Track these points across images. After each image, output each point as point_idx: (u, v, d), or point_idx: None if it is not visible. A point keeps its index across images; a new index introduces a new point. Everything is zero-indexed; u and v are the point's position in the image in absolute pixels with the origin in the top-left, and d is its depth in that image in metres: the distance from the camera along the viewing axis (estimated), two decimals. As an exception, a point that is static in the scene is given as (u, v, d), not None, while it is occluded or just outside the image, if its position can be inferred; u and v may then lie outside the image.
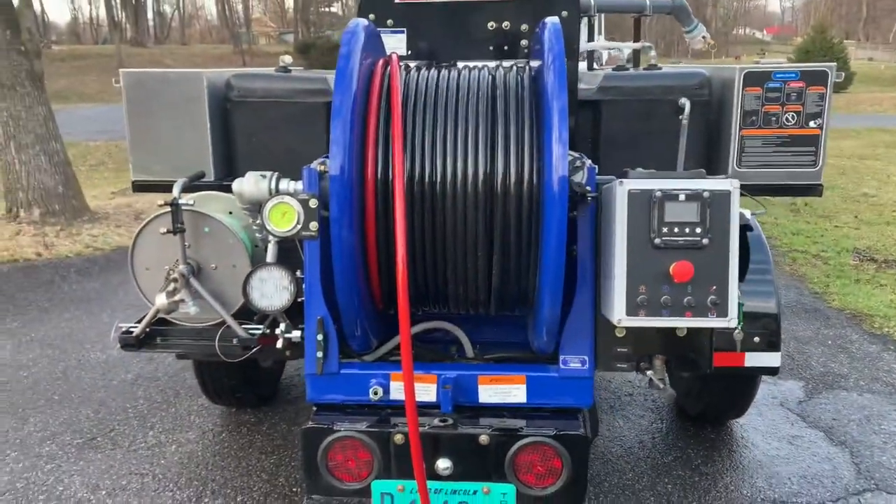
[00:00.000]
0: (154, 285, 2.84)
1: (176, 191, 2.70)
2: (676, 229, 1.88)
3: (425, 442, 2.10)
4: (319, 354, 2.13)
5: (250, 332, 2.80)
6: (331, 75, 3.47)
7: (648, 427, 4.00)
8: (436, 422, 2.10)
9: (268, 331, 2.82)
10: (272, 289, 2.22)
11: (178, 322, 2.87)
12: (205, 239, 2.77)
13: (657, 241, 1.88)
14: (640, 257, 1.89)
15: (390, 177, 1.98)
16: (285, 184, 2.30)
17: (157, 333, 2.90)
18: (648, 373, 2.13)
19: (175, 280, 2.71)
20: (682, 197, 1.87)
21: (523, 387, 2.15)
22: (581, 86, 3.01)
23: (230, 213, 2.92)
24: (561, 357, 2.12)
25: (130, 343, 2.83)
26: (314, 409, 2.22)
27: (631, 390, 4.43)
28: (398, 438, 2.10)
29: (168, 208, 2.70)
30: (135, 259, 2.82)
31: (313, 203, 2.13)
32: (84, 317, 5.92)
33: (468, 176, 1.96)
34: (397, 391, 2.16)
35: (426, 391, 2.17)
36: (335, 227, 1.87)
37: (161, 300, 2.70)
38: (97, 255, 7.79)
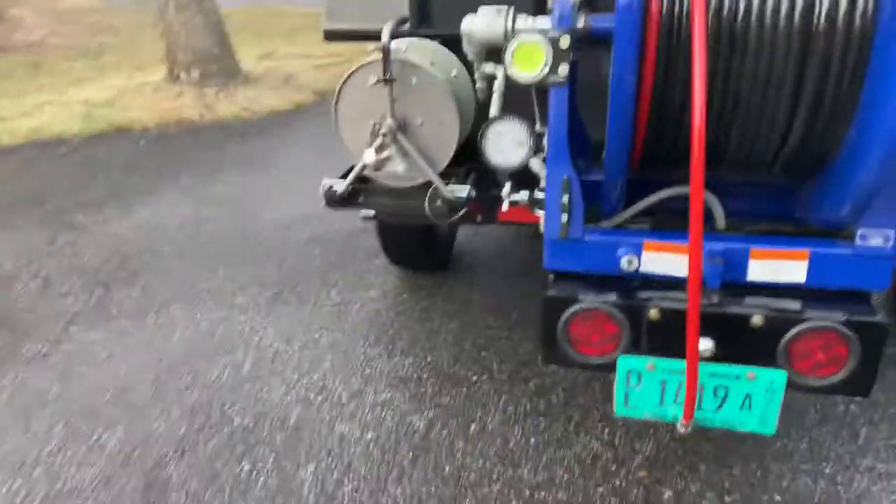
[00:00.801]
0: (357, 139, 2.69)
1: (385, 36, 2.46)
2: None
3: (684, 319, 1.87)
4: (564, 218, 1.90)
5: (454, 193, 2.63)
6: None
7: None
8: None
9: (474, 193, 2.65)
10: (508, 144, 1.98)
11: (379, 180, 2.74)
12: (412, 92, 2.55)
13: None
14: None
15: (678, 9, 1.63)
16: (523, 20, 2.00)
17: (360, 192, 2.79)
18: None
19: (384, 135, 2.54)
20: None
21: (804, 263, 1.84)
22: None
23: (432, 63, 2.67)
24: (859, 231, 1.78)
25: (336, 200, 2.74)
26: (551, 277, 2.03)
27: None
28: (653, 314, 1.89)
29: (375, 56, 2.48)
30: (339, 111, 2.66)
31: (565, 42, 1.83)
32: (252, 176, 6.04)
33: (780, 4, 1.58)
34: (651, 262, 1.92)
35: (681, 264, 1.90)
36: (619, 67, 1.57)
37: (370, 156, 2.55)
38: (255, 117, 7.90)
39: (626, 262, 1.90)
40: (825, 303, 1.84)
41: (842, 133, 1.67)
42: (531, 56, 1.85)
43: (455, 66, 2.77)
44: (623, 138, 1.64)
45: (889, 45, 1.50)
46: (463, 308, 3.80)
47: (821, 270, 1.84)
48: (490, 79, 2.21)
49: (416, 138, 2.63)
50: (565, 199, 1.90)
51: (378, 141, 2.59)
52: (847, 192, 1.69)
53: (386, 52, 2.43)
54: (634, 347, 1.93)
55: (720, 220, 2.09)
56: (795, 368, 1.85)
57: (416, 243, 3.91)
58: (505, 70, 1.90)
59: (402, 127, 2.61)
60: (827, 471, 2.61)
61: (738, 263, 1.88)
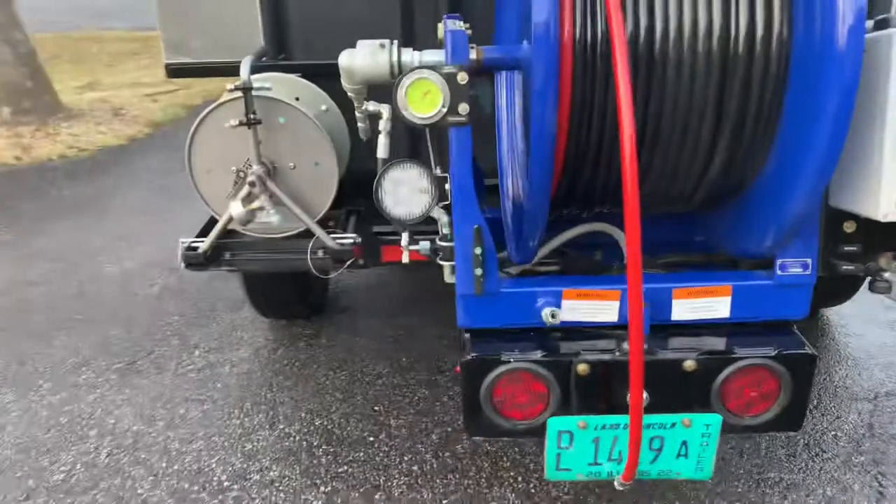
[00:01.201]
0: (217, 191, 2.34)
1: (245, 71, 2.15)
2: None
3: (615, 371, 1.73)
4: (479, 272, 1.70)
5: (339, 242, 2.37)
6: None
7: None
8: (625, 346, 1.72)
9: (360, 239, 2.40)
10: (408, 193, 1.74)
11: (247, 233, 2.41)
12: (281, 132, 2.26)
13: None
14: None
15: (592, 36, 1.48)
16: (409, 55, 1.78)
17: (226, 248, 2.44)
18: (886, 274, 1.75)
19: (252, 184, 2.22)
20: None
21: (727, 299, 1.76)
22: None
23: (297, 98, 2.39)
24: (778, 261, 1.72)
25: (198, 261, 2.37)
26: (466, 336, 1.82)
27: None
28: (582, 368, 1.72)
29: (235, 95, 2.16)
30: (193, 160, 2.31)
31: (463, 78, 1.63)
32: (84, 224, 5.37)
33: (697, 31, 1.47)
34: (571, 311, 1.76)
35: (606, 310, 1.77)
36: (538, 104, 1.39)
37: (237, 209, 2.22)
38: (82, 156, 7.11)
39: (548, 316, 1.72)
40: (752, 338, 1.77)
41: (761, 162, 1.60)
42: (426, 94, 1.64)
43: (324, 102, 2.51)
44: (546, 179, 1.47)
45: (804, 70, 1.43)
46: (347, 357, 3.50)
47: (744, 304, 1.77)
48: (374, 117, 1.97)
49: (288, 184, 2.33)
50: (478, 250, 1.70)
51: (244, 191, 2.26)
52: (769, 222, 1.62)
53: (246, 89, 2.12)
54: (564, 408, 1.76)
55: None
56: (729, 409, 1.76)
57: (287, 290, 3.56)
58: (394, 109, 1.67)
59: (272, 172, 2.30)
60: (740, 489, 2.59)
61: (662, 304, 1.76)
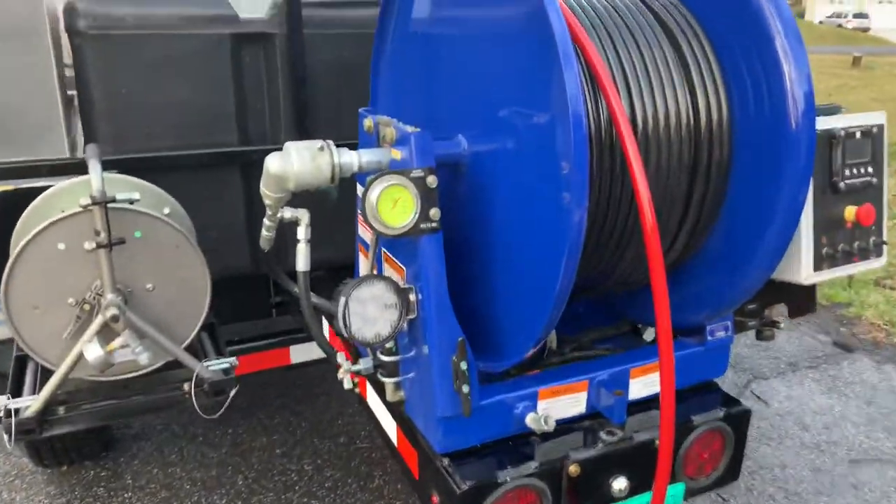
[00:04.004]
0: (47, 331, 1.80)
1: (96, 180, 1.70)
2: (855, 170, 1.73)
3: (601, 465, 1.70)
4: (466, 389, 1.54)
5: (214, 370, 1.98)
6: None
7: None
8: (604, 436, 1.70)
9: (236, 362, 2.04)
10: (375, 311, 1.51)
11: (85, 377, 1.89)
12: (135, 249, 1.82)
13: (841, 184, 1.71)
14: (824, 204, 1.71)
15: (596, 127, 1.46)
16: (348, 156, 1.58)
17: (59, 402, 1.88)
18: (782, 325, 1.99)
19: (114, 318, 1.74)
20: (857, 134, 1.73)
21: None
22: None
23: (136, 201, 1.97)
24: (708, 328, 1.86)
25: (29, 428, 1.78)
26: (446, 462, 1.62)
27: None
28: (573, 469, 1.65)
29: (72, 211, 1.69)
30: (12, 295, 1.75)
31: (433, 181, 1.49)
32: None
33: (669, 118, 1.54)
34: (548, 409, 1.69)
35: (576, 403, 1.74)
36: (576, 207, 1.29)
37: (94, 352, 1.73)
38: None
39: (541, 422, 1.62)
40: (694, 403, 1.88)
41: (704, 239, 1.72)
42: (397, 202, 1.46)
43: (166, 203, 2.09)
44: (568, 286, 1.38)
45: (794, 152, 1.56)
46: (171, 496, 2.93)
47: (683, 373, 1.87)
48: (289, 225, 1.69)
49: (147, 309, 1.88)
50: (463, 365, 1.54)
51: (96, 327, 1.77)
52: (729, 294, 1.74)
53: (104, 201, 1.68)
54: (555, 507, 1.68)
55: (552, 341, 1.98)
56: (688, 476, 1.84)
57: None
58: (365, 219, 1.45)
59: (128, 299, 1.84)
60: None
61: (622, 386, 1.79)
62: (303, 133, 2.39)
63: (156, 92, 2.23)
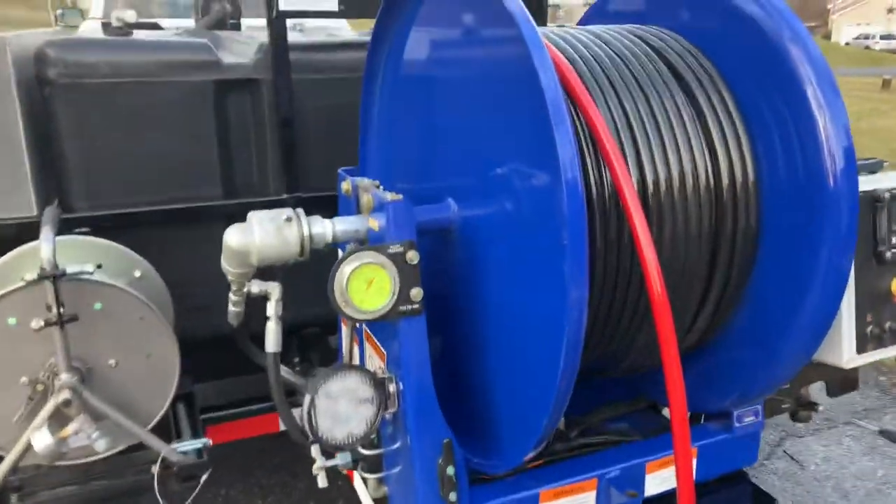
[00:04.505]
0: (-4, 415, 1.63)
1: (47, 249, 1.53)
2: (902, 237, 1.51)
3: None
4: (454, 497, 1.33)
5: (179, 451, 1.79)
6: (216, 36, 2.40)
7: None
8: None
9: (209, 442, 1.85)
10: (347, 407, 1.31)
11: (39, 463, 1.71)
12: (95, 322, 1.65)
13: (887, 254, 1.49)
14: (867, 277, 1.49)
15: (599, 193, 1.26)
16: (319, 225, 1.39)
17: (13, 488, 1.70)
18: (820, 408, 1.76)
19: (66, 403, 1.57)
20: (906, 196, 1.50)
21: (693, 462, 1.62)
22: None
23: (99, 266, 1.80)
24: (735, 413, 1.64)
25: (-27, 523, 1.61)
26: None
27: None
28: (581, 585, 1.43)
29: (20, 284, 1.53)
30: (-45, 378, 1.58)
31: (412, 258, 1.30)
32: None
33: (685, 180, 1.33)
34: (548, 515, 1.47)
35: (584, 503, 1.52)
36: (575, 283, 1.09)
37: (43, 440, 1.55)
38: None
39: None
40: (720, 499, 1.65)
41: (730, 316, 1.50)
42: (371, 283, 1.27)
43: (137, 266, 1.92)
44: (573, 372, 1.18)
45: (774, 214, 1.37)
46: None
47: (707, 463, 1.65)
48: (257, 300, 1.51)
49: (108, 387, 1.70)
50: (450, 470, 1.33)
51: (48, 410, 1.59)
52: (737, 381, 1.53)
53: (53, 275, 1.51)
54: None
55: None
56: (715, 583, 1.61)
57: None
58: (333, 304, 1.26)
59: (85, 377, 1.67)
60: None
61: (637, 481, 1.57)
62: (292, 182, 2.22)
63: (133, 144, 2.07)
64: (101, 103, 2.02)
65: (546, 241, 1.15)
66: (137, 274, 1.91)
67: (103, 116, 2.03)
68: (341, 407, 1.31)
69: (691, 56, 1.46)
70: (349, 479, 1.92)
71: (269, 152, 2.21)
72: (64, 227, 1.90)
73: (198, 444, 1.82)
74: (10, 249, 1.80)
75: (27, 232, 1.90)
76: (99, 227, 1.98)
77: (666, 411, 1.92)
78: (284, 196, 2.21)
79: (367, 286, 1.26)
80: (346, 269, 1.25)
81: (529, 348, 1.26)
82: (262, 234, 1.33)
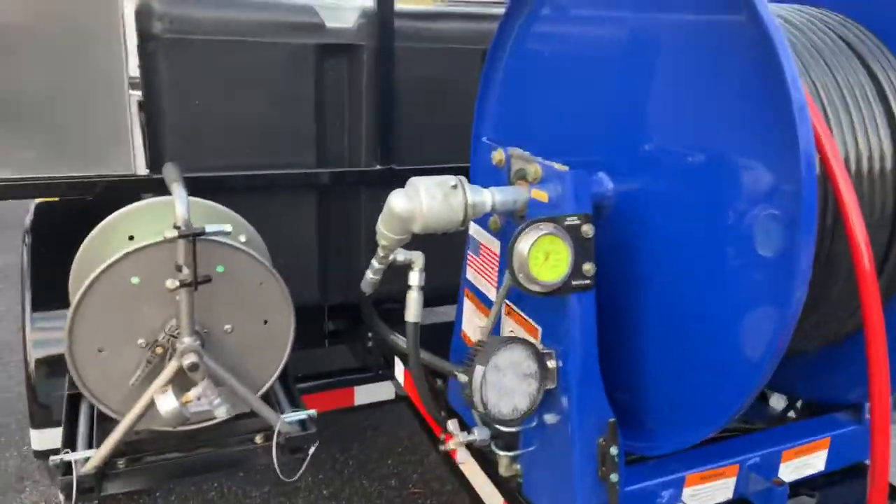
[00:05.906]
0: (110, 375, 1.57)
1: (182, 209, 1.48)
2: None
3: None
4: (615, 478, 1.30)
5: (290, 422, 1.75)
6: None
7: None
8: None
9: (315, 413, 1.80)
10: (512, 382, 1.27)
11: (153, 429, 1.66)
12: (216, 286, 1.59)
13: None
14: None
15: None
16: (479, 194, 1.35)
17: (121, 453, 1.65)
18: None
19: (193, 367, 1.52)
20: None
21: (825, 452, 1.60)
22: None
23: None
24: (865, 405, 1.62)
25: (88, 487, 1.55)
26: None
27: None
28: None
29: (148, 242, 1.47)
30: (77, 335, 1.52)
31: (589, 230, 1.26)
32: None
33: (873, 162, 1.29)
34: (692, 499, 1.44)
35: (723, 489, 1.49)
36: (804, 239, 1.05)
37: (167, 404, 1.50)
38: None
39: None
40: (841, 487, 1.64)
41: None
42: (550, 255, 1.23)
43: (243, 230, 1.86)
44: (788, 334, 1.13)
45: None
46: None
47: (837, 454, 1.63)
48: (401, 268, 1.46)
49: (224, 353, 1.65)
50: (613, 450, 1.30)
51: (167, 374, 1.54)
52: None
53: (192, 234, 1.45)
54: None
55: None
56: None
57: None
58: (511, 275, 1.22)
59: (203, 342, 1.61)
60: None
61: (771, 470, 1.54)
62: (385, 154, 2.17)
63: (230, 105, 2.01)
64: (204, 61, 1.94)
65: (767, 219, 1.11)
66: (243, 238, 1.85)
67: (204, 75, 1.96)
68: (507, 380, 1.27)
69: (869, 39, 1.42)
70: (451, 457, 1.88)
71: (364, 122, 2.15)
72: (153, 187, 1.85)
73: (302, 415, 1.77)
74: (107, 207, 1.74)
75: (128, 191, 1.85)
76: (192, 190, 1.92)
77: (774, 399, 1.90)
78: (377, 167, 2.16)
79: (545, 258, 1.22)
80: (527, 240, 1.20)
81: (722, 333, 1.22)
82: (430, 200, 1.28)
